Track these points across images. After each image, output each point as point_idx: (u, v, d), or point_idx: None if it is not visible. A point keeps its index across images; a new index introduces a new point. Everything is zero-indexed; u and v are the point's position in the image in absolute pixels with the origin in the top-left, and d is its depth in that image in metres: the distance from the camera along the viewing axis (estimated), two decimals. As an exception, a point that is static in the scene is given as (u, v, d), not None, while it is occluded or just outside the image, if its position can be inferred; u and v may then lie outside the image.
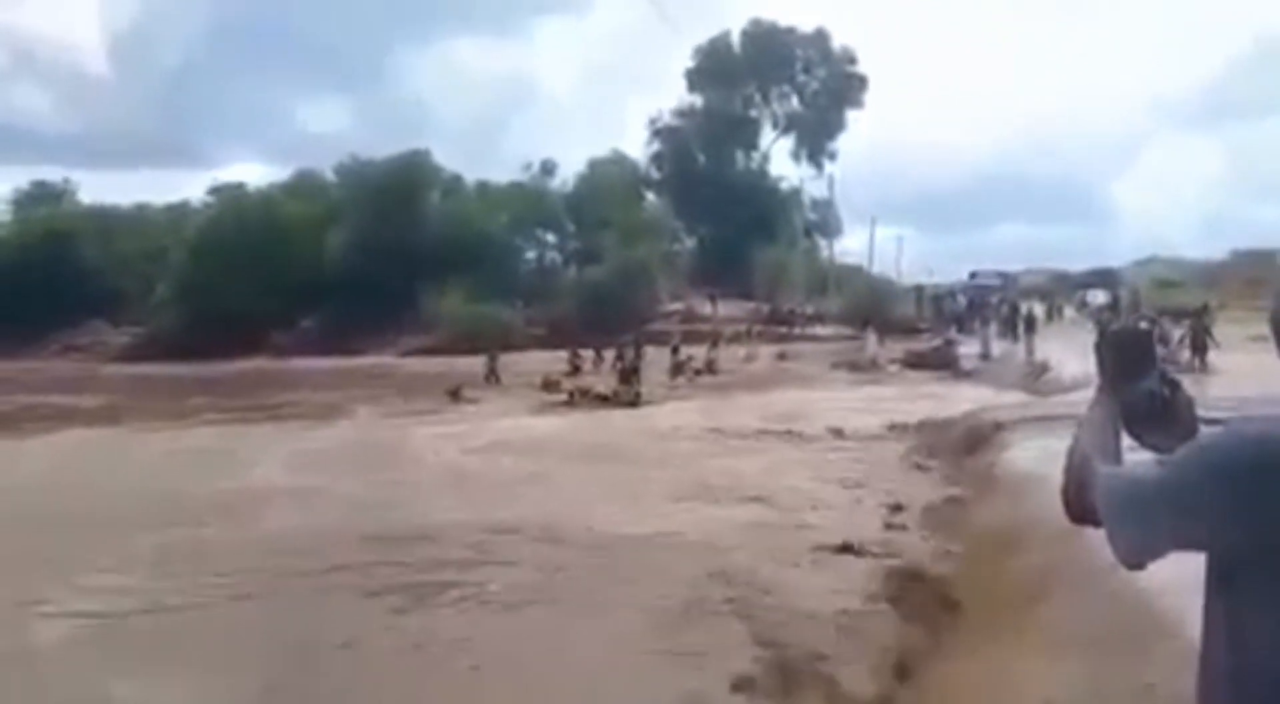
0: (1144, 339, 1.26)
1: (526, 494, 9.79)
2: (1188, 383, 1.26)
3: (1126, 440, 1.23)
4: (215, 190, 47.33)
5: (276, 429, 16.00)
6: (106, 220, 46.21)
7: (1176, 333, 18.21)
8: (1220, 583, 1.00)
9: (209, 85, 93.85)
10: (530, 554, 7.38)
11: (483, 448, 13.03)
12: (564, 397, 19.87)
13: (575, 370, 24.94)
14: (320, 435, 15.17)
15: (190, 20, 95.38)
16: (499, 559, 7.26)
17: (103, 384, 27.40)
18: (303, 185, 46.70)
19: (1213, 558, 1.00)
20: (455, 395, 20.40)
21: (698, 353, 27.89)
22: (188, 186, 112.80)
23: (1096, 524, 1.09)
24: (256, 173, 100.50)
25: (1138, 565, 1.03)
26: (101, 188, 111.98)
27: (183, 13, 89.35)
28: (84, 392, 24.56)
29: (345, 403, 20.18)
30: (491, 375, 23.78)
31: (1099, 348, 1.29)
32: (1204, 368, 16.39)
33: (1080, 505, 1.14)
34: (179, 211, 46.52)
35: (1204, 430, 1.12)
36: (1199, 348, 17.20)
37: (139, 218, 47.63)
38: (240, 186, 47.29)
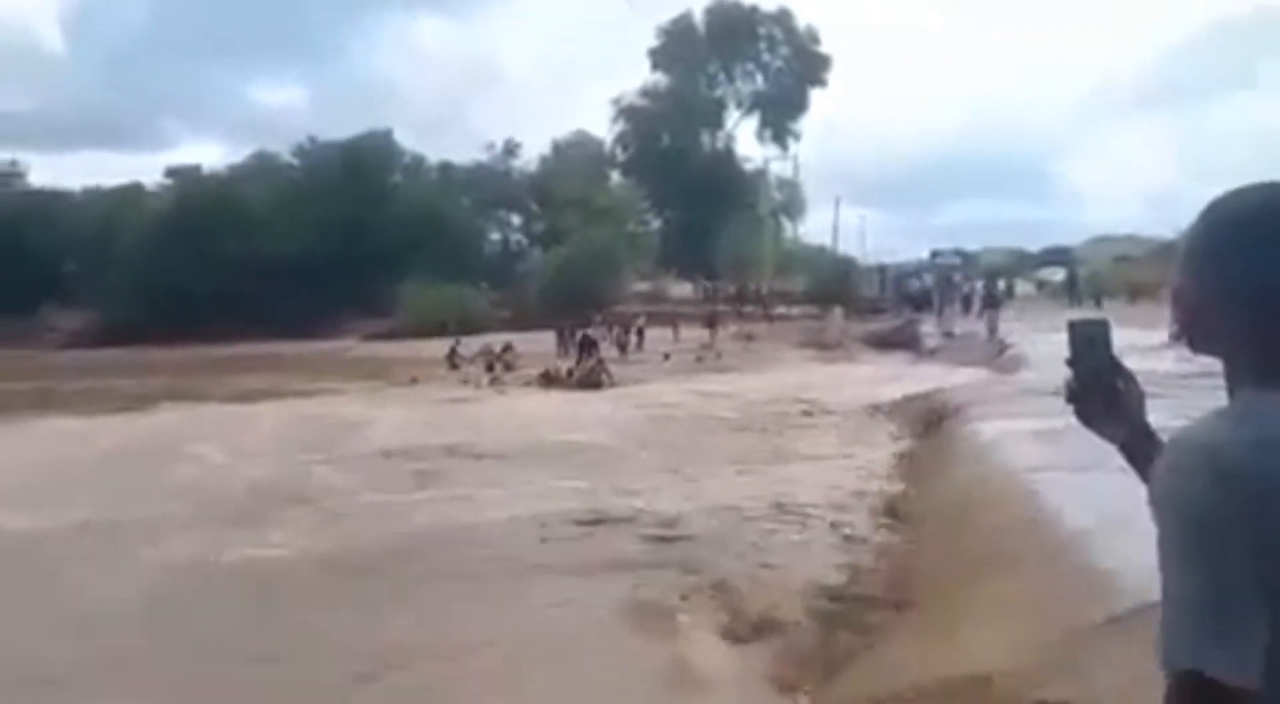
0: (1099, 329, 1.26)
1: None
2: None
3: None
4: (172, 172, 46.36)
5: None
6: (56, 203, 45.01)
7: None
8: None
9: (164, 64, 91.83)
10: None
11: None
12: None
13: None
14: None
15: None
16: None
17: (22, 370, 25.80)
18: (260, 167, 45.80)
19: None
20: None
21: (664, 334, 27.92)
22: (140, 169, 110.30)
23: None
24: (213, 154, 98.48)
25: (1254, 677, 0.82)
26: (52, 170, 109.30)
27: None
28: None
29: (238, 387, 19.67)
30: (453, 358, 23.37)
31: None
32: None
33: None
34: (132, 194, 45.43)
35: (1175, 459, 0.92)
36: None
37: (90, 201, 46.45)
38: (196, 169, 46.33)
